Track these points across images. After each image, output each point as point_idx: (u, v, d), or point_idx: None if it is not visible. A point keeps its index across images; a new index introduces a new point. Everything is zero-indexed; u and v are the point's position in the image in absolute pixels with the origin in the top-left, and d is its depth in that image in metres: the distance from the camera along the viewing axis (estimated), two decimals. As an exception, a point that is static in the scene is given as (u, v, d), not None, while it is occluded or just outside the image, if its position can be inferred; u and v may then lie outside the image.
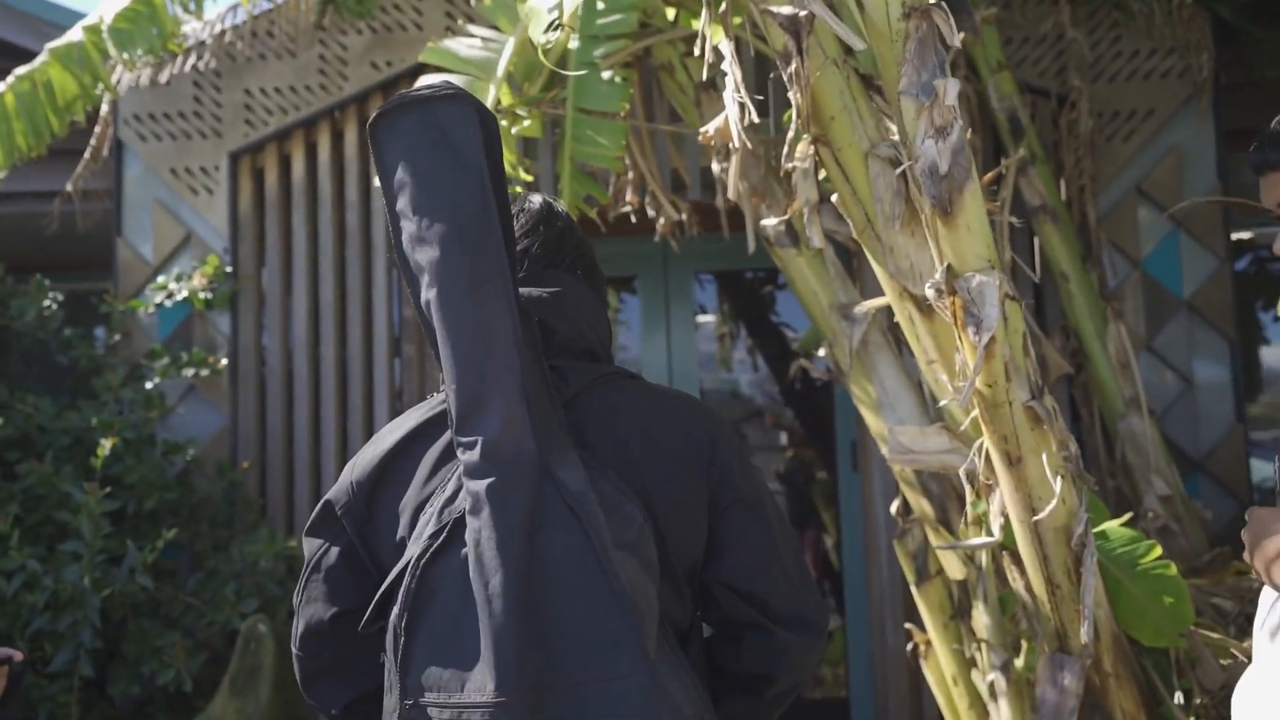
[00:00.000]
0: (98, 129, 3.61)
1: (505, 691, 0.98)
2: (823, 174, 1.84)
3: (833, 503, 5.09)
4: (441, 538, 1.06)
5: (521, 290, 1.13)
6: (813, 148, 1.77)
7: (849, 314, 2.65)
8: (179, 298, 3.40)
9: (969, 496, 2.06)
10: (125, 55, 2.77)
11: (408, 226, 1.09)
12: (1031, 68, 3.45)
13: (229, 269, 3.58)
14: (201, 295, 3.41)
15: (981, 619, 2.17)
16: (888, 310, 3.35)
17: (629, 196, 3.01)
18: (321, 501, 1.21)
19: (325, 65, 3.64)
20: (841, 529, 4.34)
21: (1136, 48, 3.44)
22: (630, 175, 3.01)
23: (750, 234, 2.67)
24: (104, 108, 3.56)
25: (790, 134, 1.69)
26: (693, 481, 1.15)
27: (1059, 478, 1.50)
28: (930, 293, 1.52)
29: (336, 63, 3.64)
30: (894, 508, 2.76)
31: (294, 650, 1.22)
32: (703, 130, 1.77)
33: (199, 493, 3.20)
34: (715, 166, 2.73)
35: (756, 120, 1.72)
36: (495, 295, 1.06)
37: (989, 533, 1.84)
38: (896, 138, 1.76)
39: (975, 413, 1.59)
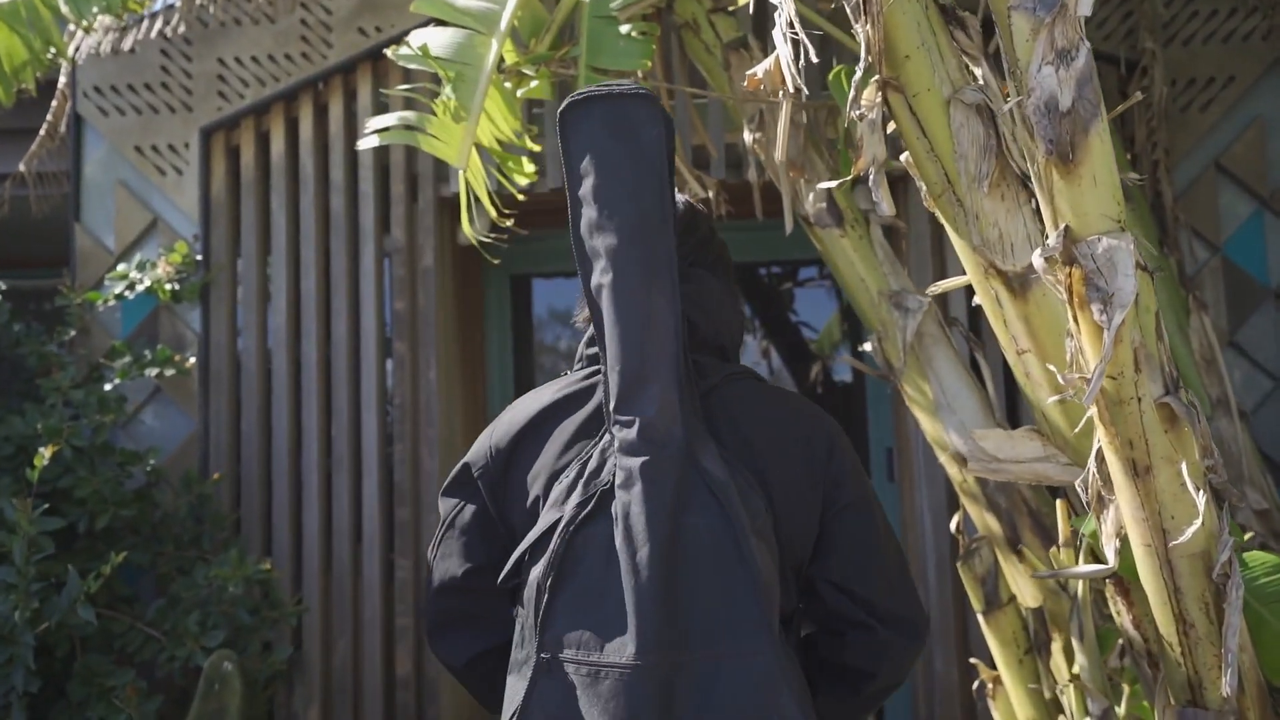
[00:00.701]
0: (54, 103, 3.40)
1: (644, 656, 1.10)
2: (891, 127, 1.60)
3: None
4: (589, 507, 1.18)
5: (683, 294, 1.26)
6: (880, 95, 1.53)
7: (901, 302, 2.42)
8: (142, 289, 3.17)
9: (1060, 513, 1.82)
10: (79, 13, 2.54)
11: (588, 213, 1.20)
12: (1095, 30, 3.21)
13: (199, 257, 3.36)
14: (168, 286, 3.18)
15: (1074, 657, 1.93)
16: (942, 299, 3.07)
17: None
18: (460, 463, 1.35)
19: (308, 31, 3.42)
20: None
21: (1215, 7, 3.20)
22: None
23: (787, 212, 2.44)
24: (61, 79, 3.33)
25: (857, 75, 1.45)
26: (810, 481, 1.25)
27: (1200, 492, 1.26)
28: (1038, 263, 1.28)
29: (320, 29, 3.41)
30: (954, 524, 2.53)
31: (427, 605, 1.37)
32: (750, 73, 1.55)
33: (162, 508, 2.96)
34: (747, 136, 2.50)
35: (815, 59, 1.48)
36: (663, 288, 1.18)
37: (1097, 557, 1.60)
38: (981, 82, 1.54)
39: (1088, 413, 1.35)
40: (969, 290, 3.62)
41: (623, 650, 1.11)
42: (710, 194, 2.73)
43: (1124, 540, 1.47)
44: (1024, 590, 2.23)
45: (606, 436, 1.21)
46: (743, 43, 2.47)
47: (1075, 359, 1.35)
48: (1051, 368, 1.42)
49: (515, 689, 1.19)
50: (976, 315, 3.39)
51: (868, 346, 2.46)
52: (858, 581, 1.26)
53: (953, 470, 2.30)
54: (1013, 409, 3.19)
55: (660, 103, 1.23)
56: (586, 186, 1.20)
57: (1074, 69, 1.13)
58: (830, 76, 2.43)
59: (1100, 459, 1.41)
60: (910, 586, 1.30)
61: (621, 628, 1.12)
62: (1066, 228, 1.22)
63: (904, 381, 2.36)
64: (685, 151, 2.95)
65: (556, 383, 1.34)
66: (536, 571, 1.18)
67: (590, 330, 1.31)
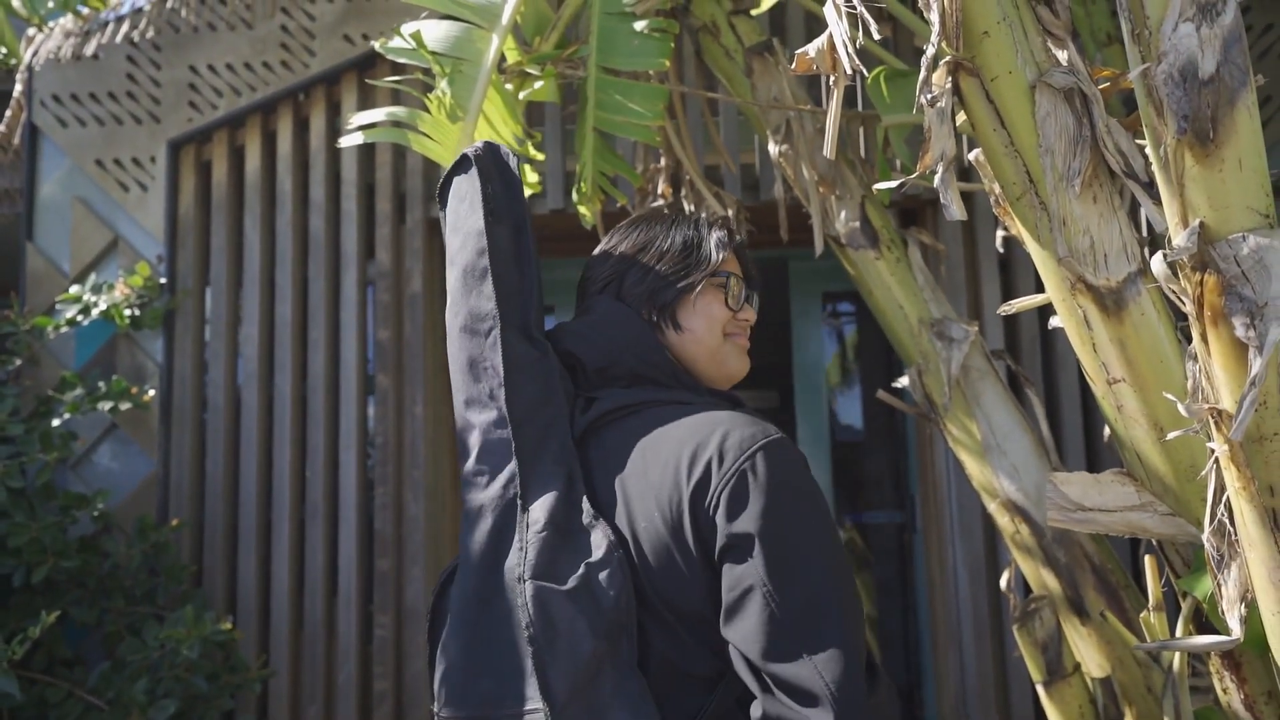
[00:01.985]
0: (8, 113, 3.21)
1: (460, 710, 1.13)
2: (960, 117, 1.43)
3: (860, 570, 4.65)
4: (457, 561, 1.23)
5: (565, 322, 1.30)
6: (950, 80, 1.36)
7: (945, 332, 2.25)
8: (97, 313, 2.97)
9: (1150, 571, 1.62)
10: (32, 9, 2.37)
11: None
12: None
13: (163, 280, 3.16)
14: (126, 311, 2.98)
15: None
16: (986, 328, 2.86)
17: (661, 187, 2.61)
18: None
19: (289, 39, 3.26)
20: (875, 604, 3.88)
21: (1270, 20, 3.06)
22: (663, 161, 2.62)
23: (817, 232, 2.29)
24: (16, 87, 3.16)
25: (929, 53, 1.28)
26: (676, 520, 1.11)
27: (1360, 550, 1.07)
28: (1158, 269, 1.10)
29: (302, 35, 3.26)
30: (1004, 581, 2.34)
31: None
32: (799, 52, 1.38)
33: (113, 558, 2.74)
34: (773, 149, 2.34)
35: (877, 37, 1.31)
36: (485, 332, 1.20)
37: (1202, 623, 1.40)
38: (1067, 65, 1.37)
39: (1216, 453, 1.16)
40: (1007, 320, 3.43)
41: (452, 706, 1.14)
42: (730, 213, 2.55)
43: (1250, 606, 1.27)
44: (1089, 658, 2.04)
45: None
46: (767, 46, 2.32)
47: (1199, 387, 1.16)
48: (1169, 397, 1.23)
49: None
50: (1013, 348, 3.22)
51: (904, 381, 2.28)
52: (744, 638, 1.06)
53: (1003, 520, 2.12)
54: (1059, 453, 3.01)
55: (497, 150, 1.27)
56: (447, 257, 1.29)
57: (1220, 26, 0.95)
58: (869, 80, 2.27)
59: (1226, 507, 1.22)
60: (818, 645, 1.04)
61: (441, 685, 1.17)
62: (1201, 224, 1.03)
63: (948, 421, 2.19)
64: (699, 169, 2.79)
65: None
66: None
67: None
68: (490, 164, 1.26)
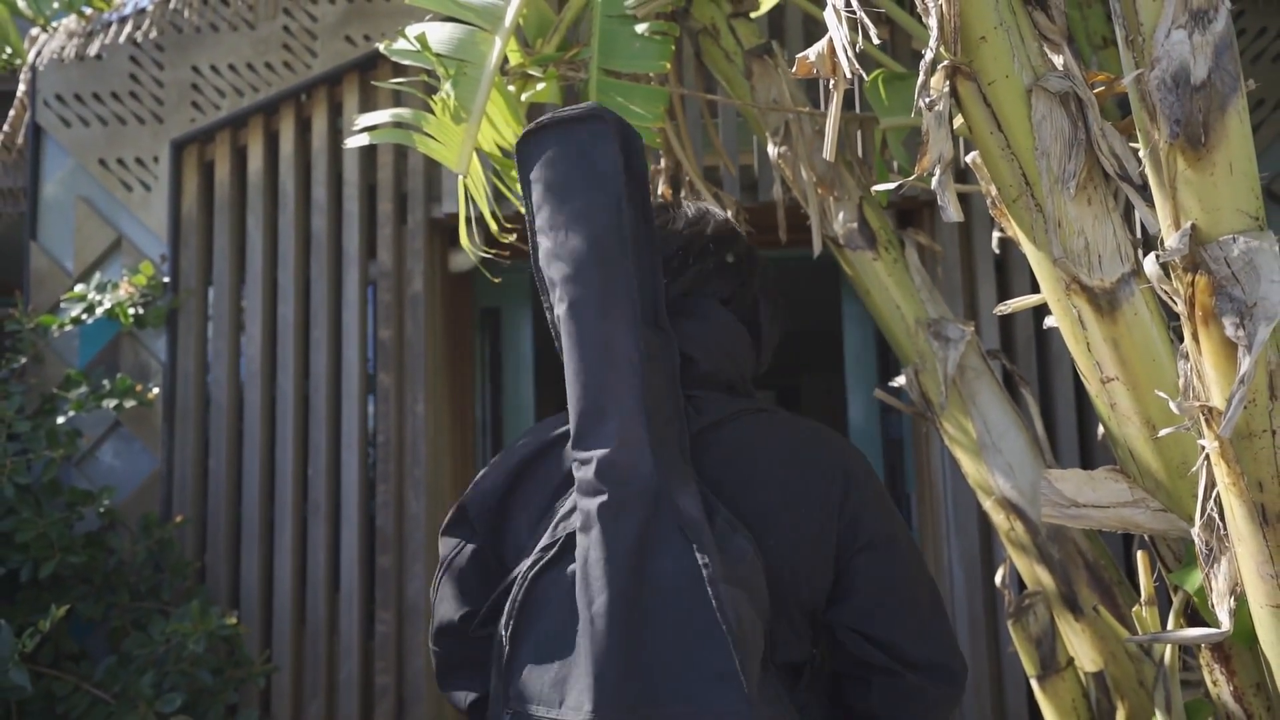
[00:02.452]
0: (11, 113, 3.23)
1: (601, 713, 1.05)
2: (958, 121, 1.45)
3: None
4: (553, 551, 1.14)
5: (672, 316, 1.24)
6: (948, 83, 1.38)
7: (941, 332, 2.27)
8: (101, 311, 2.99)
9: (1142, 566, 1.65)
10: (37, 10, 2.38)
11: (544, 243, 1.18)
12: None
13: (167, 279, 3.18)
14: (130, 310, 3.00)
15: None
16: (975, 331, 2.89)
17: (660, 188, 2.63)
18: (458, 501, 1.30)
19: (291, 39, 3.28)
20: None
21: (1263, 24, 3.09)
22: (663, 162, 2.64)
23: (815, 233, 2.30)
24: (20, 87, 3.17)
25: (927, 57, 1.30)
26: (819, 523, 1.19)
27: (1348, 544, 1.09)
28: (1150, 270, 1.12)
29: (304, 36, 3.27)
30: (999, 577, 2.36)
31: (430, 645, 1.34)
32: (800, 57, 1.40)
33: (118, 554, 2.76)
34: (772, 150, 2.36)
35: (877, 41, 1.33)
36: (621, 316, 1.13)
37: (1192, 617, 1.42)
38: (1063, 69, 1.39)
39: (1206, 450, 1.18)
40: (1003, 320, 3.46)
41: (580, 707, 1.07)
42: (729, 214, 2.57)
43: (1239, 599, 1.30)
44: (1082, 653, 2.06)
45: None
46: (766, 49, 2.34)
47: (1190, 385, 1.19)
48: (1161, 395, 1.26)
49: None
50: (1008, 348, 3.25)
51: (900, 380, 2.30)
52: (880, 625, 1.19)
53: (998, 517, 2.15)
54: (1053, 451, 3.03)
55: (618, 119, 1.18)
56: (542, 217, 1.18)
57: (1211, 33, 0.97)
58: (867, 83, 2.29)
59: (1216, 503, 1.24)
60: (943, 629, 1.23)
61: (580, 689, 1.07)
62: (1193, 226, 1.06)
63: (944, 419, 2.21)
64: (699, 170, 2.81)
65: (560, 417, 1.27)
66: (501, 621, 1.16)
67: None
68: (621, 131, 1.18)
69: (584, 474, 1.12)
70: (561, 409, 1.23)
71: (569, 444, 1.16)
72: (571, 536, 1.13)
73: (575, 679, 1.08)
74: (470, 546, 1.28)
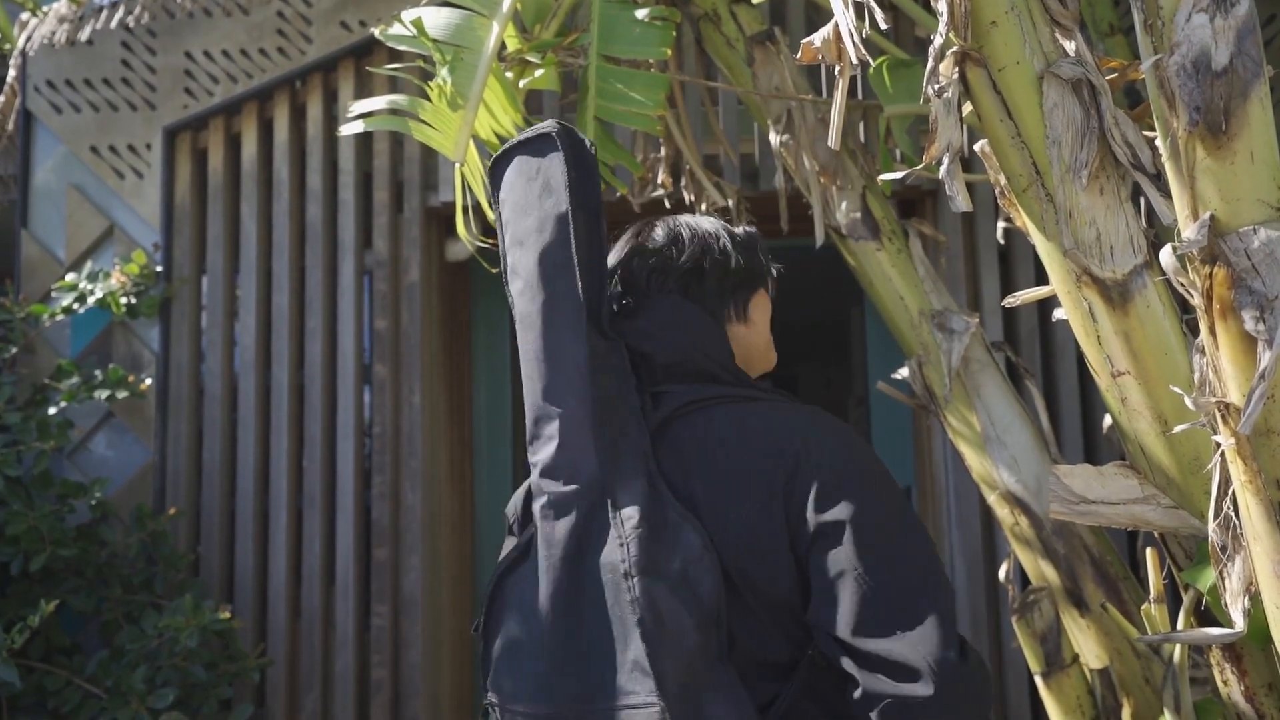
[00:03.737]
0: (1, 99, 3.18)
1: (539, 706, 1.14)
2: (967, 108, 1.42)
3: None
4: (517, 553, 1.24)
5: (626, 318, 1.28)
6: (958, 70, 1.35)
7: (946, 324, 2.24)
8: (93, 300, 2.96)
9: (1151, 563, 1.63)
10: (28, -6, 2.35)
11: (508, 260, 1.26)
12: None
13: (159, 269, 3.14)
14: (123, 299, 2.97)
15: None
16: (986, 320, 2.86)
17: (661, 177, 2.60)
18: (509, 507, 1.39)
19: (285, 25, 3.24)
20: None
21: (1272, 11, 3.06)
22: (663, 150, 2.61)
23: (818, 223, 2.28)
24: (10, 72, 3.13)
25: (936, 43, 1.27)
26: (765, 513, 1.15)
27: (1367, 544, 1.07)
28: (1166, 262, 1.09)
29: (299, 21, 3.24)
30: (1003, 573, 2.34)
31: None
32: (805, 43, 1.37)
33: (110, 547, 2.73)
34: (774, 139, 2.33)
35: (884, 25, 1.30)
36: (566, 324, 1.19)
37: (1204, 616, 1.40)
38: (1075, 55, 1.36)
39: (1222, 446, 1.16)
40: (1006, 311, 3.43)
41: (525, 697, 1.16)
42: (730, 203, 2.54)
43: (1253, 599, 1.28)
44: (1087, 649, 2.04)
45: None
46: (768, 35, 2.30)
47: (1206, 380, 1.16)
48: (1175, 390, 1.23)
49: None
50: (1012, 339, 3.22)
51: (904, 372, 2.27)
52: (837, 621, 1.10)
53: (1002, 512, 2.12)
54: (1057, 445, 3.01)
55: (569, 133, 1.24)
56: (507, 236, 1.26)
57: (1234, 17, 0.94)
58: (871, 70, 2.26)
59: (1231, 501, 1.22)
60: (914, 619, 1.08)
61: (526, 680, 1.16)
62: (1212, 216, 1.03)
63: (948, 412, 2.19)
64: (700, 158, 2.78)
65: None
66: (479, 616, 1.26)
67: None
68: (571, 147, 1.24)
69: (534, 476, 1.20)
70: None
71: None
72: (534, 538, 1.20)
73: (521, 674, 1.17)
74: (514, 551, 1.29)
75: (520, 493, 1.32)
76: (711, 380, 1.27)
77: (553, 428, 1.18)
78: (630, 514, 1.13)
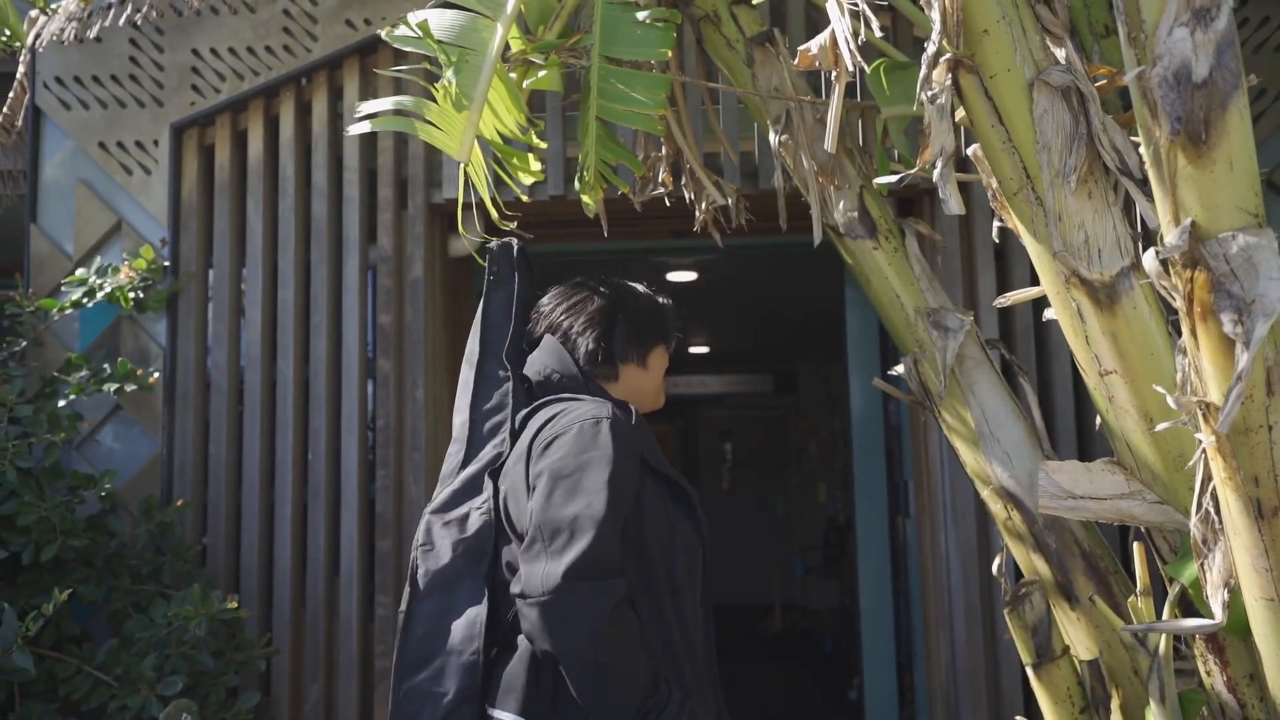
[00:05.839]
0: (10, 95, 3.22)
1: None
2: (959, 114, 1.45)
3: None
4: None
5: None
6: (950, 77, 1.38)
7: (941, 322, 2.27)
8: (102, 295, 2.99)
9: (1138, 557, 1.66)
10: (38, -8, 2.38)
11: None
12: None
13: (167, 264, 3.17)
14: (131, 294, 3.00)
15: (1137, 717, 1.76)
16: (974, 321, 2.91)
17: (661, 176, 2.63)
18: None
19: (290, 23, 3.27)
20: (862, 587, 3.90)
21: (1267, 13, 3.08)
22: (664, 150, 2.64)
23: (816, 222, 2.30)
24: (19, 69, 3.16)
25: (929, 50, 1.30)
26: (524, 469, 1.62)
27: (1341, 539, 1.10)
28: (1149, 266, 1.13)
29: (304, 20, 3.26)
30: (995, 566, 2.37)
31: None
32: (802, 49, 1.40)
33: (119, 537, 2.77)
34: (773, 139, 2.35)
35: (879, 33, 1.33)
36: (471, 362, 1.83)
37: (1187, 607, 1.44)
38: (1065, 63, 1.39)
39: (1203, 444, 1.19)
40: (1002, 309, 3.46)
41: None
42: (730, 201, 2.57)
43: (1233, 591, 1.31)
44: (1077, 641, 2.07)
45: None
46: (768, 36, 2.33)
47: (1188, 380, 1.19)
48: (1159, 389, 1.26)
49: None
50: (1007, 337, 3.26)
51: (900, 369, 2.31)
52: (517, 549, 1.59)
53: (996, 506, 2.15)
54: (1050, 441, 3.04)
55: (507, 249, 1.90)
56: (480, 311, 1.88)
57: (1214, 31, 0.98)
58: (869, 72, 2.29)
59: (1212, 496, 1.25)
60: (544, 551, 1.48)
61: None
62: (1192, 223, 1.06)
63: (942, 408, 2.22)
64: (700, 157, 2.80)
65: None
66: None
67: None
68: (499, 256, 1.89)
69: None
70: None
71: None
72: None
73: None
74: None
75: None
76: (569, 392, 1.74)
77: (456, 429, 1.76)
78: (461, 475, 1.71)
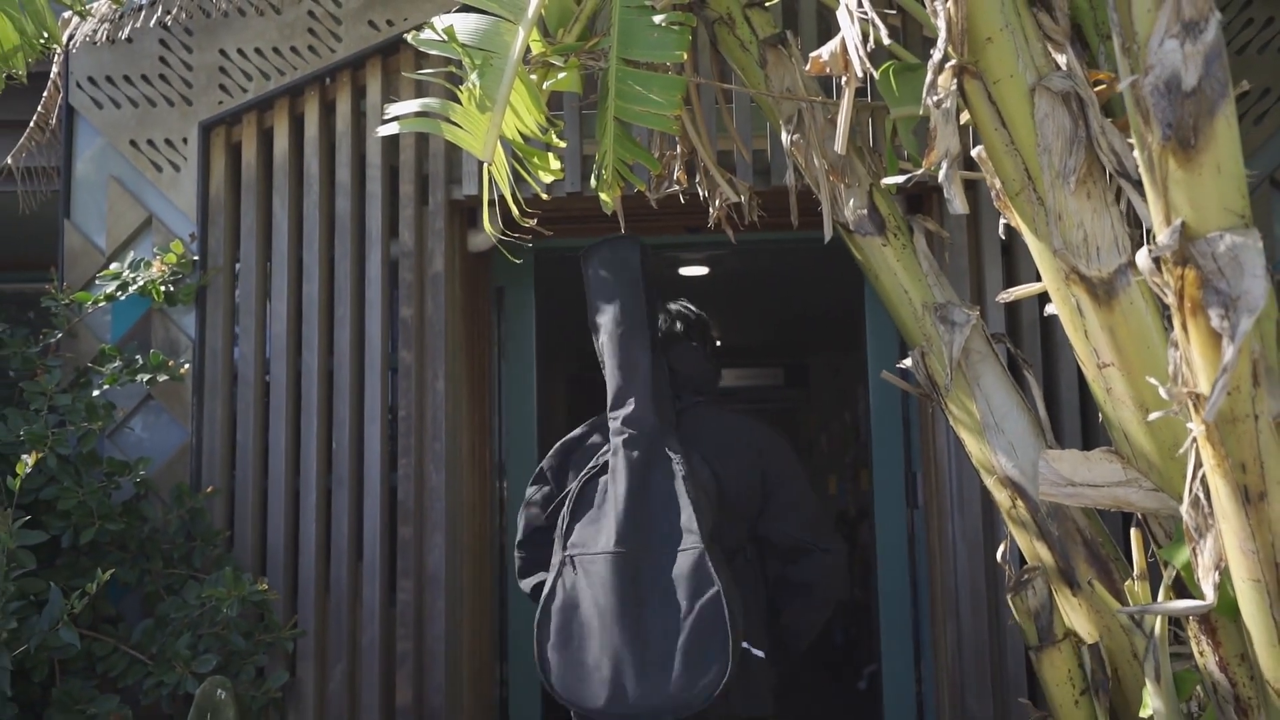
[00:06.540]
0: (45, 94, 3.29)
1: (617, 546, 2.03)
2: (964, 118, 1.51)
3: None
4: (595, 470, 2.16)
5: (664, 350, 2.30)
6: (955, 82, 1.44)
7: (948, 316, 2.31)
8: (134, 289, 3.06)
9: (1135, 542, 1.72)
10: (74, -4, 2.44)
11: (596, 307, 2.28)
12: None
13: (196, 258, 3.24)
14: (162, 287, 3.07)
15: (1138, 698, 1.81)
16: (980, 315, 2.92)
17: (676, 174, 2.68)
18: (539, 465, 2.34)
19: (315, 24, 3.33)
20: (881, 576, 3.95)
21: (1271, 14, 3.11)
22: (679, 149, 2.69)
23: (827, 219, 2.35)
24: (53, 68, 3.23)
25: (935, 57, 1.36)
26: (748, 467, 2.24)
27: (1324, 522, 1.15)
28: (1143, 264, 1.18)
29: (329, 20, 3.33)
30: (1000, 553, 2.42)
31: (515, 552, 2.35)
32: (814, 55, 1.46)
33: (151, 523, 2.84)
34: (785, 138, 2.40)
35: (887, 39, 1.39)
36: (639, 345, 2.19)
37: (1180, 591, 1.49)
38: (1066, 69, 1.45)
39: (1193, 431, 1.24)
40: (1008, 304, 3.49)
41: (608, 544, 2.03)
42: (743, 198, 2.62)
43: (1223, 574, 1.37)
44: (1079, 625, 2.12)
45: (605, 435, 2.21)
46: (781, 39, 2.38)
47: (1179, 372, 1.25)
48: (1152, 381, 1.32)
49: (547, 580, 2.09)
50: (1013, 332, 3.30)
51: (908, 362, 2.36)
52: (797, 528, 2.24)
53: (1001, 496, 2.20)
54: (1055, 432, 3.08)
55: (639, 240, 2.27)
56: (599, 296, 2.25)
57: (1202, 43, 1.03)
58: (878, 75, 2.34)
59: (1202, 483, 1.31)
60: (825, 526, 2.30)
61: (608, 534, 2.04)
62: (1182, 223, 1.11)
63: (949, 401, 2.26)
64: (714, 155, 2.85)
65: (595, 419, 2.31)
66: (565, 509, 2.14)
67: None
68: (647, 250, 2.29)
69: (615, 424, 2.14)
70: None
71: (608, 410, 2.18)
72: (607, 464, 2.13)
73: (603, 532, 2.05)
74: (544, 489, 2.30)
75: (557, 453, 2.31)
76: (698, 391, 2.34)
77: (631, 399, 2.13)
78: (675, 456, 2.11)
